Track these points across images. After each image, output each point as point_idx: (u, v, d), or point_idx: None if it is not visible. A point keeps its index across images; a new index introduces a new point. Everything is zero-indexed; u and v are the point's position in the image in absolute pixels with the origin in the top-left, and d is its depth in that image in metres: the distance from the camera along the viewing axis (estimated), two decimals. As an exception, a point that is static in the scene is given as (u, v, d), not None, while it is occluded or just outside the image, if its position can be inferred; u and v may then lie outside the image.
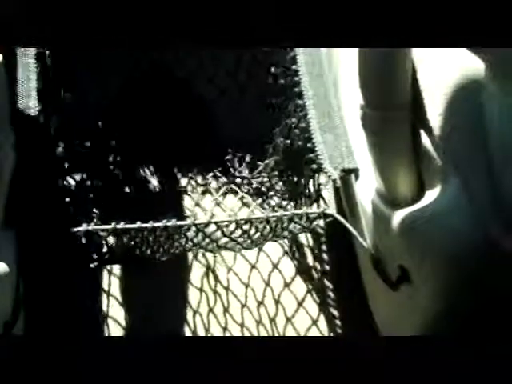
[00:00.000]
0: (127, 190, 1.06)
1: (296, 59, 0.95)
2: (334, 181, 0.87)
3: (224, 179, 1.08)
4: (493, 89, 0.63)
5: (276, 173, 1.04)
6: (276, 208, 1.04)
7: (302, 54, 0.94)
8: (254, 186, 1.07)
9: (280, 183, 1.05)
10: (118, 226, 0.83)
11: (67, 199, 0.97)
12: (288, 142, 0.98)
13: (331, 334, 0.99)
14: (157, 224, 0.83)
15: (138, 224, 0.83)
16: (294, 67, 0.95)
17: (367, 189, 0.82)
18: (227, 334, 0.95)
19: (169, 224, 0.83)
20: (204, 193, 1.07)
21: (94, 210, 1.01)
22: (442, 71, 0.67)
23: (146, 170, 1.07)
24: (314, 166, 0.92)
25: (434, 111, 0.68)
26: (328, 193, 1.01)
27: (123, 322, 0.98)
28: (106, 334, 0.97)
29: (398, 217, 0.76)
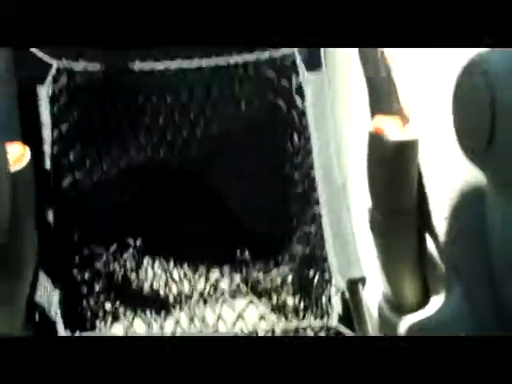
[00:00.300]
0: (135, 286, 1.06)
1: (313, 166, 0.97)
2: (343, 292, 0.87)
3: (234, 277, 1.08)
4: (494, 196, 0.65)
5: (289, 279, 1.05)
6: (285, 317, 1.04)
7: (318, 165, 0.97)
8: (263, 290, 1.07)
9: (291, 291, 1.06)
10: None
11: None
12: (305, 249, 1.00)
13: None
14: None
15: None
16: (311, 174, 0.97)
17: (374, 293, 0.83)
18: None
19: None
20: (214, 291, 1.07)
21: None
22: (447, 176, 0.68)
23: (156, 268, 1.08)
24: (324, 275, 0.93)
25: (440, 216, 0.70)
26: (335, 304, 1.01)
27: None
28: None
29: (404, 324, 0.76)
